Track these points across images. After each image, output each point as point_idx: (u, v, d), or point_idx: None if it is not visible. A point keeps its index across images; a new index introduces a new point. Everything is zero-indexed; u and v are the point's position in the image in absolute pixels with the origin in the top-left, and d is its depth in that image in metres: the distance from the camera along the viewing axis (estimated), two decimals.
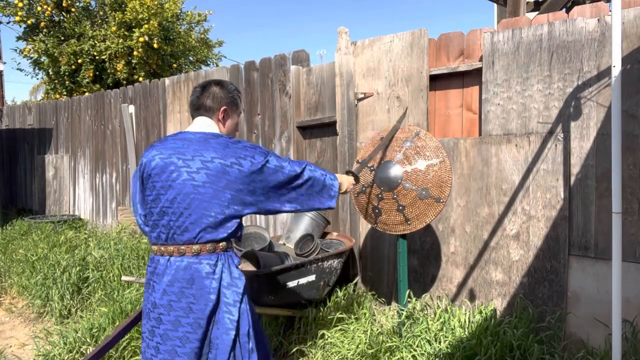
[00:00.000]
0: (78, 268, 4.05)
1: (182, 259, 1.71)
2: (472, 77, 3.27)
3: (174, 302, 1.70)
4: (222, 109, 1.88)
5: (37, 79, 14.95)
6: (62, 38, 9.02)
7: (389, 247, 3.55)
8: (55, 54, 8.79)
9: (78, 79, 9.08)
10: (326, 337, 2.88)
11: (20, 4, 8.71)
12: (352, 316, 3.10)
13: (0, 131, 8.70)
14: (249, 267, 3.07)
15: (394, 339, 2.69)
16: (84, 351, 2.84)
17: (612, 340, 2.15)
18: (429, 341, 2.61)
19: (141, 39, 8.42)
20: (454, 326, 2.71)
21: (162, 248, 1.75)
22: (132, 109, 6.09)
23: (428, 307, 3.07)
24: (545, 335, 2.69)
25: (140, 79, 8.65)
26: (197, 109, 1.89)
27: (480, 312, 2.87)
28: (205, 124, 1.85)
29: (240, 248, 3.26)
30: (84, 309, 3.74)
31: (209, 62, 10.98)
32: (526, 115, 2.96)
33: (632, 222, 2.62)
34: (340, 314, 3.11)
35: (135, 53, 8.56)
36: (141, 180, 1.82)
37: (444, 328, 2.72)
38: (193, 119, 1.91)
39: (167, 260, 1.73)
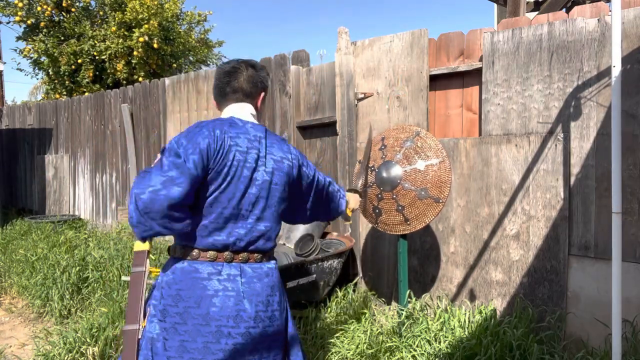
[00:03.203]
0: (78, 268, 4.05)
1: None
2: (472, 77, 3.27)
3: (262, 313, 1.57)
4: (261, 95, 1.70)
5: (37, 79, 14.95)
6: (62, 38, 9.02)
7: (389, 247, 3.54)
8: (55, 54, 8.79)
9: (78, 79, 9.08)
10: (326, 337, 2.88)
11: (20, 4, 8.71)
12: (352, 316, 3.10)
13: (0, 131, 8.70)
14: None
15: (394, 339, 2.69)
16: (84, 351, 2.84)
17: (612, 340, 2.15)
18: (428, 341, 2.61)
19: (141, 39, 8.42)
20: (454, 326, 2.71)
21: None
22: (129, 108, 6.08)
23: (428, 307, 3.07)
24: (545, 335, 2.69)
25: (140, 79, 8.65)
26: (234, 91, 1.65)
27: (480, 312, 2.87)
28: (249, 113, 1.66)
29: None
30: (84, 309, 3.74)
31: (209, 62, 10.99)
32: (526, 115, 2.96)
33: (632, 222, 2.62)
34: (340, 313, 3.11)
35: (135, 53, 8.56)
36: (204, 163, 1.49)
37: (444, 328, 2.71)
38: (223, 104, 1.67)
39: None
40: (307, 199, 1.82)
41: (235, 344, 1.49)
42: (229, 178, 1.52)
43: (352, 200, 2.14)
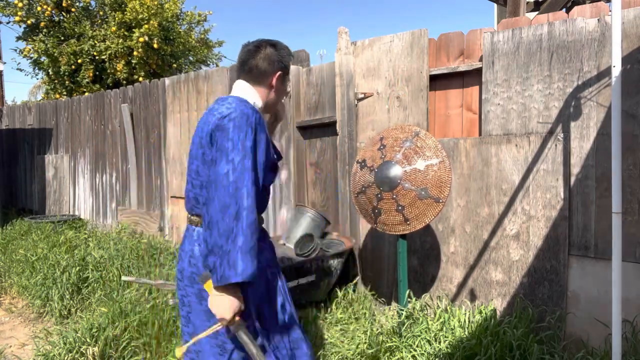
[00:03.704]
0: (78, 268, 4.05)
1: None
2: (472, 77, 3.27)
3: (187, 271, 1.73)
4: (277, 74, 1.72)
5: (37, 79, 14.97)
6: (62, 38, 9.02)
7: (389, 247, 3.54)
8: (55, 54, 8.79)
9: (78, 79, 9.09)
10: (326, 337, 2.88)
11: (20, 4, 8.71)
12: (352, 316, 3.10)
13: (0, 131, 8.70)
14: None
15: (394, 339, 2.69)
16: (84, 351, 2.84)
17: (612, 340, 2.15)
18: (428, 341, 2.61)
19: (141, 39, 8.42)
20: (454, 326, 2.71)
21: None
22: (129, 108, 6.08)
23: (428, 307, 3.07)
24: (545, 335, 2.69)
25: (140, 79, 8.65)
26: (249, 70, 1.70)
27: (480, 312, 2.87)
28: (240, 88, 1.71)
29: None
30: (84, 309, 3.74)
31: (209, 62, 10.99)
32: (526, 115, 2.96)
33: (632, 222, 2.62)
34: (340, 314, 3.11)
35: (135, 53, 8.56)
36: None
37: (444, 328, 2.71)
38: (238, 78, 1.76)
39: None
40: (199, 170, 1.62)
41: (181, 296, 1.70)
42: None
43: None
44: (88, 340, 2.89)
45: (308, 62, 4.17)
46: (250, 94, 1.70)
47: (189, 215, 1.69)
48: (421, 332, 2.66)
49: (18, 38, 9.29)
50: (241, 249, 1.40)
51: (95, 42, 8.74)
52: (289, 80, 1.85)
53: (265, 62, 1.70)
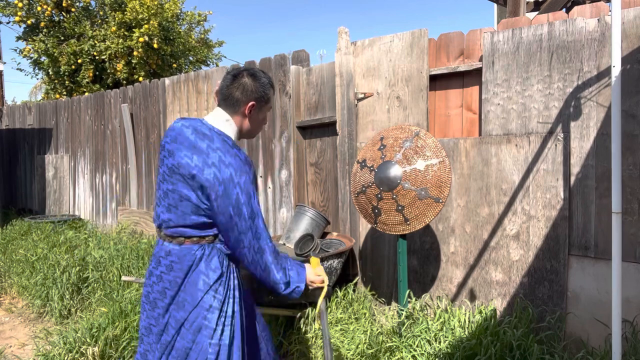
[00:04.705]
0: (78, 268, 4.05)
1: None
2: (472, 77, 3.27)
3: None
4: (250, 103, 1.76)
5: (37, 79, 14.96)
6: (62, 38, 9.02)
7: (389, 247, 3.55)
8: (55, 54, 8.79)
9: (78, 79, 9.08)
10: None
11: (20, 4, 8.71)
12: (352, 316, 3.10)
13: (0, 131, 8.70)
14: None
15: (393, 339, 2.69)
16: (84, 351, 2.84)
17: (612, 340, 2.15)
18: (428, 341, 2.61)
19: (141, 39, 8.42)
20: (454, 326, 2.71)
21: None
22: (129, 108, 6.08)
23: (428, 307, 3.07)
24: (545, 335, 2.69)
25: (140, 79, 8.65)
26: (224, 98, 1.77)
27: (480, 312, 2.87)
28: (221, 119, 1.76)
29: None
30: (84, 309, 3.74)
31: (209, 62, 10.99)
32: (526, 115, 2.96)
33: (632, 222, 2.62)
34: (340, 314, 3.11)
35: (135, 53, 8.56)
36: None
37: (444, 328, 2.71)
38: (218, 105, 1.82)
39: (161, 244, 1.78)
40: (217, 220, 1.67)
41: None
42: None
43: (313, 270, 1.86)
44: (88, 340, 2.89)
45: (308, 62, 4.17)
46: (226, 125, 1.76)
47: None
48: (421, 332, 2.66)
49: (18, 38, 9.28)
50: None
51: (95, 42, 8.74)
52: (269, 110, 1.88)
53: (239, 91, 1.74)
